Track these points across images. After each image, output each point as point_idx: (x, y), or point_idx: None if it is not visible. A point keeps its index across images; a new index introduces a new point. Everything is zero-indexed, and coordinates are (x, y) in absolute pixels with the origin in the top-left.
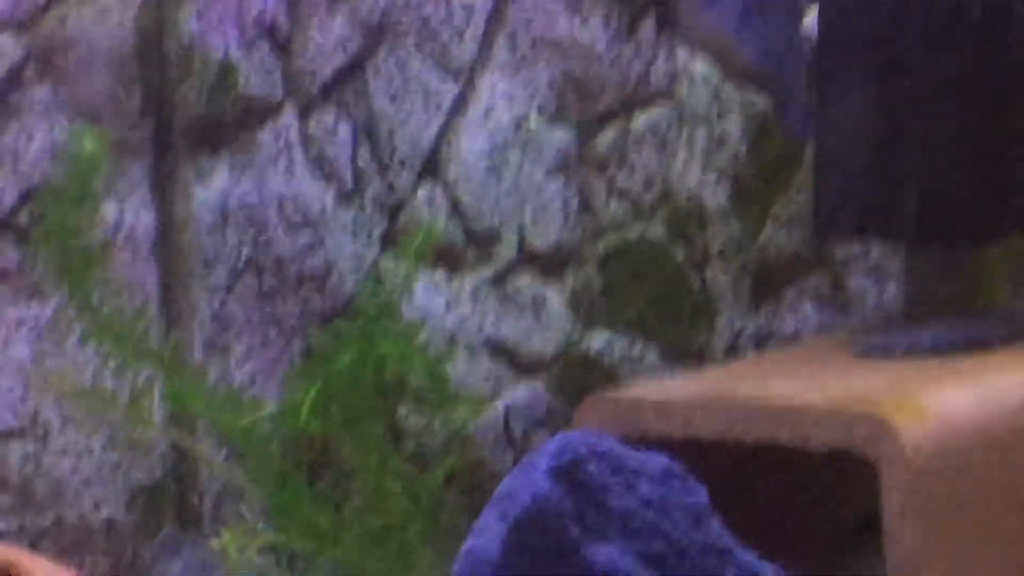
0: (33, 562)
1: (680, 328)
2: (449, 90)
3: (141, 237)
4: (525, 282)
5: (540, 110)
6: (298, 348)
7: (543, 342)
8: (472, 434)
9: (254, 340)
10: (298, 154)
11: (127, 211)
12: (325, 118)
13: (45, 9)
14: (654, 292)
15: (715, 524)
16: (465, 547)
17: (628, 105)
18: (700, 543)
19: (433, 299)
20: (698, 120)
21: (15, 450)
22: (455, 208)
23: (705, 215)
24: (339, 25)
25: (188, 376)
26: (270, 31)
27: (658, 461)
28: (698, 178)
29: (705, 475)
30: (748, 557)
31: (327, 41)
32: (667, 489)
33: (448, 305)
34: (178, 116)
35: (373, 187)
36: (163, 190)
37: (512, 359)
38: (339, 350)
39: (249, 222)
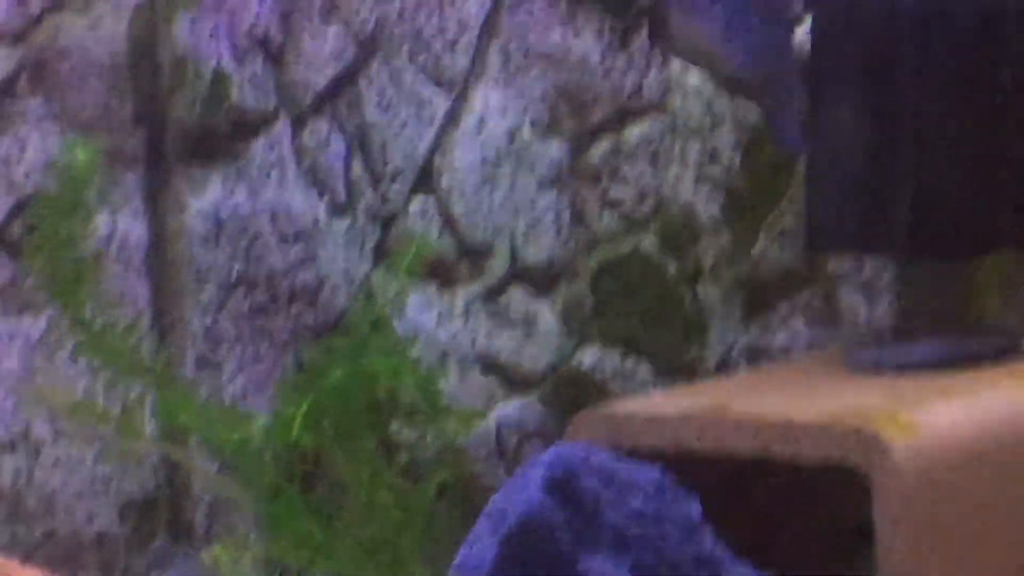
0: (25, 572)
1: (672, 342)
2: (442, 102)
3: (133, 249)
4: (517, 297)
5: (533, 122)
6: (290, 362)
7: (535, 356)
8: (464, 448)
9: (246, 354)
10: (291, 166)
11: (119, 222)
12: (318, 130)
13: (38, 20)
14: (646, 307)
15: (707, 537)
16: (458, 559)
17: (621, 117)
18: (692, 556)
19: (425, 313)
20: (691, 133)
21: (7, 463)
22: (447, 221)
23: (697, 228)
24: (332, 36)
25: (180, 390)
26: (263, 42)
27: (650, 474)
28: (691, 191)
29: (697, 489)
30: (741, 570)
31: (320, 52)
32: (660, 502)
33: (440, 319)
34: (171, 127)
35: (366, 199)
36: (155, 201)
37: (504, 373)
38: (331, 364)
39: (241, 234)
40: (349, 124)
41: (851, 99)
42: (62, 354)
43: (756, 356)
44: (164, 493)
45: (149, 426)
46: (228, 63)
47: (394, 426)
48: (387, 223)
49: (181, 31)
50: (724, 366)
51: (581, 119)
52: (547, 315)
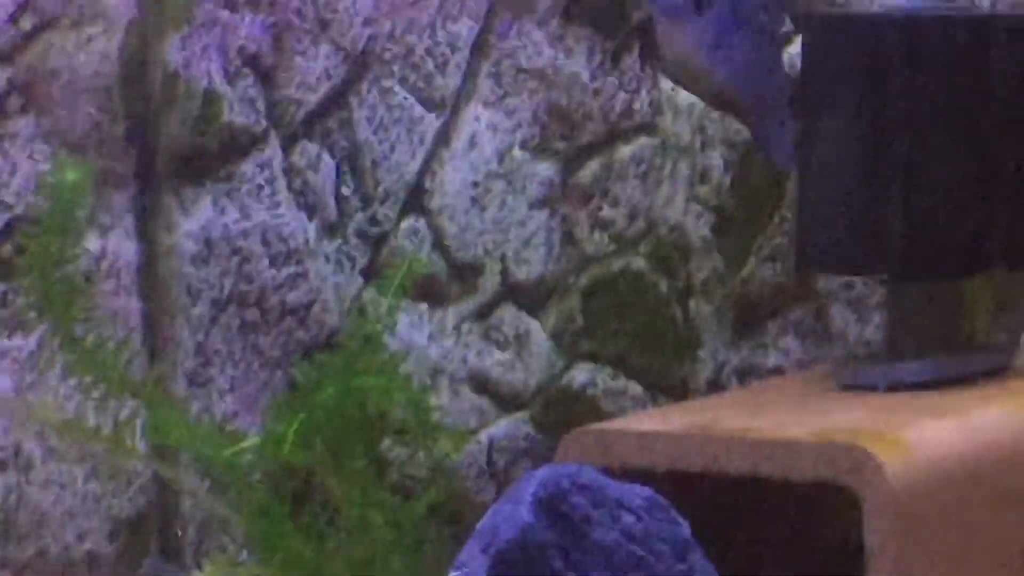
0: None
1: (663, 361)
2: (433, 121)
3: (124, 268)
4: (508, 315)
5: (524, 142)
6: (281, 380)
7: (526, 375)
8: (455, 467)
9: (237, 372)
10: (281, 185)
11: (110, 241)
12: (309, 149)
13: (28, 39)
14: (637, 325)
15: (698, 556)
16: None
17: (612, 137)
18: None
19: (416, 332)
20: (681, 152)
21: None
22: (438, 240)
23: (688, 247)
24: (323, 56)
25: (171, 408)
26: (254, 61)
27: (641, 493)
28: (681, 210)
29: (688, 508)
30: None
31: (311, 72)
32: (650, 522)
33: (431, 338)
34: (162, 147)
35: (356, 219)
36: (146, 221)
37: (495, 392)
38: (322, 382)
39: (232, 254)
40: (340, 144)
41: (842, 119)
42: (53, 372)
43: (747, 374)
44: (155, 512)
45: (140, 444)
46: (219, 82)
47: (385, 444)
48: (378, 242)
49: (172, 50)
50: (715, 384)
51: (572, 139)
52: (538, 334)
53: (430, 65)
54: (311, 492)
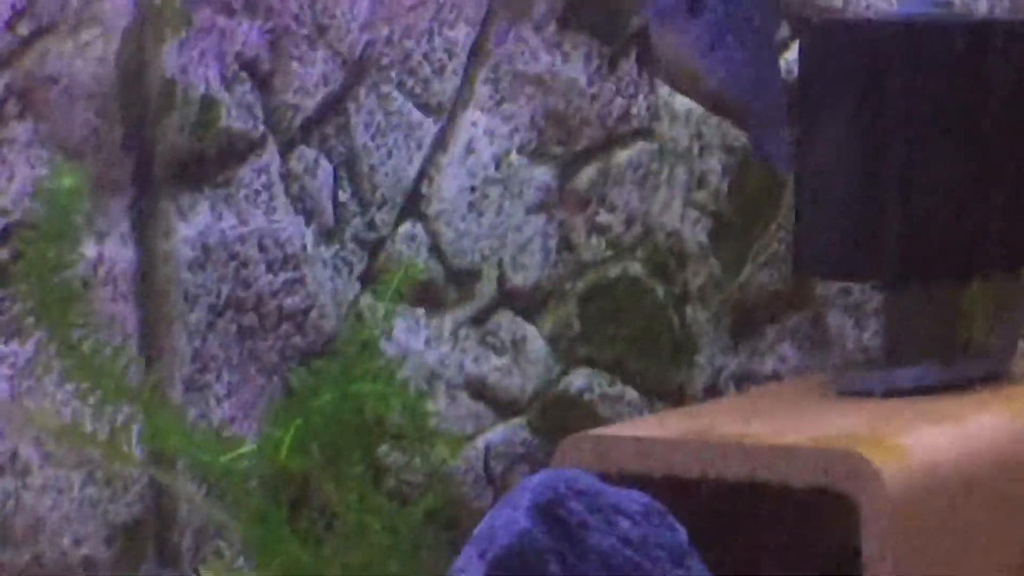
0: None
1: (660, 366)
2: (430, 127)
3: (121, 274)
4: (505, 321)
5: (521, 147)
6: (278, 386)
7: (523, 380)
8: (452, 472)
9: (234, 378)
10: (279, 191)
11: (107, 247)
12: (306, 154)
13: (26, 44)
14: (634, 331)
15: (695, 562)
16: None
17: (609, 142)
18: None
19: (413, 337)
20: (679, 158)
21: None
22: (435, 245)
23: (685, 253)
24: (321, 61)
25: (168, 413)
26: (252, 67)
27: (638, 499)
28: (679, 216)
29: (685, 513)
30: None
31: (308, 77)
32: (647, 527)
33: (428, 343)
34: (159, 152)
35: (354, 224)
36: (143, 226)
37: (492, 397)
38: (319, 388)
39: (230, 259)
40: (337, 149)
41: (839, 125)
42: (50, 378)
43: (744, 380)
44: (151, 517)
45: (137, 450)
46: (216, 88)
47: (382, 450)
48: (375, 248)
49: (169, 56)
50: (712, 390)
51: (569, 144)
52: (535, 339)
53: (427, 70)
54: (308, 498)
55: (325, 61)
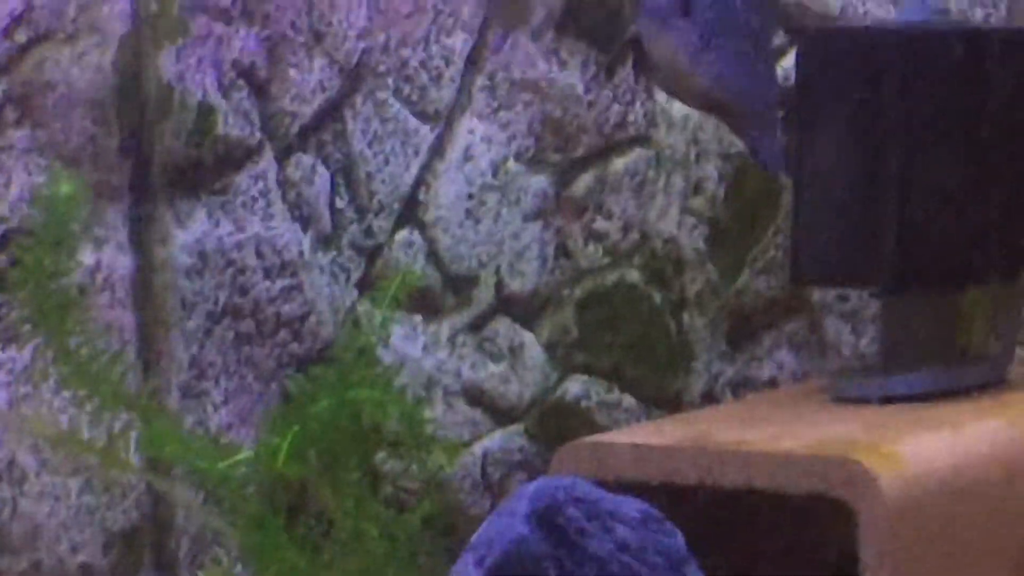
0: None
1: (657, 373)
2: (427, 134)
3: (119, 281)
4: (502, 328)
5: (518, 154)
6: (275, 392)
7: (520, 387)
8: (449, 479)
9: (231, 384)
10: (276, 197)
11: (105, 254)
12: (303, 161)
13: (23, 51)
14: (631, 338)
15: (693, 569)
16: None
17: (606, 149)
18: None
19: (410, 344)
20: (675, 165)
21: None
22: (433, 252)
23: (682, 259)
24: (318, 68)
25: (165, 420)
26: (249, 74)
27: (635, 506)
28: (676, 222)
29: (683, 520)
30: None
31: (305, 84)
32: (645, 534)
33: (425, 350)
34: (156, 159)
35: (351, 231)
36: (141, 233)
37: (489, 404)
38: (316, 395)
39: (227, 266)
40: (334, 156)
41: (836, 132)
42: (47, 385)
43: (741, 387)
44: (149, 524)
45: (134, 457)
46: (214, 95)
47: (379, 457)
48: (372, 255)
49: (167, 63)
50: (709, 397)
51: (566, 151)
52: (532, 346)
53: (424, 78)
54: (305, 504)
55: (322, 68)
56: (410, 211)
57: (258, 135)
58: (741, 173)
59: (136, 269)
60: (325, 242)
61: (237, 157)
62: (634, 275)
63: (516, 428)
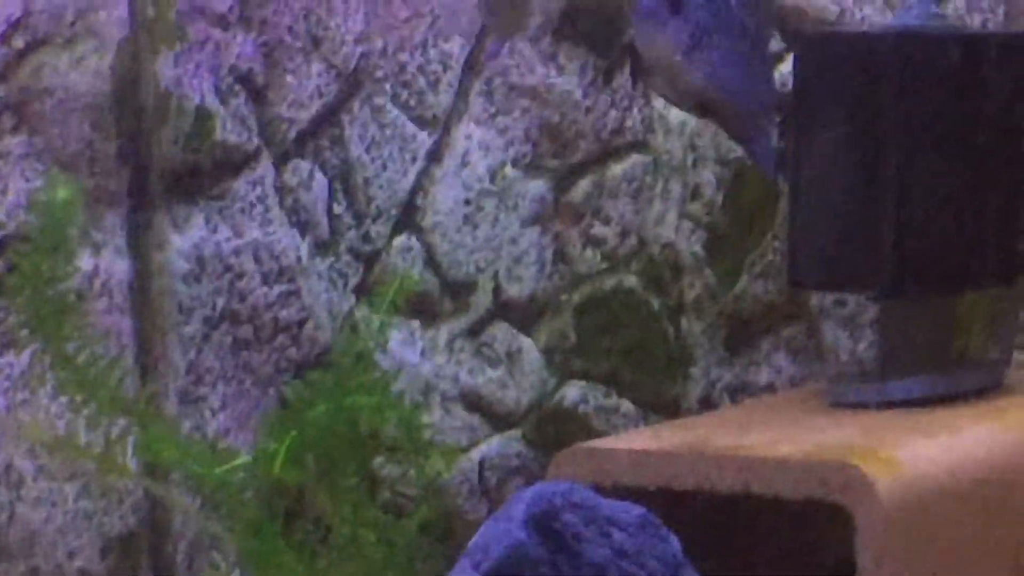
0: None
1: (655, 378)
2: (425, 139)
3: (116, 286)
4: (500, 332)
5: (516, 160)
6: (273, 398)
7: (518, 392)
8: (447, 484)
9: (229, 390)
10: (274, 203)
11: (102, 260)
12: (301, 166)
13: (21, 57)
14: (629, 343)
15: (690, 574)
16: None
17: (604, 154)
18: None
19: (408, 349)
20: (673, 170)
21: None
22: (431, 258)
23: (680, 265)
24: (315, 73)
25: (163, 426)
26: (246, 79)
27: (633, 511)
28: (673, 228)
29: (680, 525)
30: None
31: (303, 90)
32: (642, 539)
33: (423, 355)
34: (154, 165)
35: (349, 236)
36: (138, 239)
37: (487, 409)
38: (314, 400)
39: (225, 272)
40: (332, 162)
41: (834, 137)
42: (44, 390)
43: (739, 392)
44: (146, 529)
45: (132, 462)
46: (211, 101)
47: (377, 462)
48: (370, 260)
49: (164, 69)
50: (707, 402)
51: (564, 156)
52: (530, 351)
53: (422, 83)
54: (303, 510)
55: (319, 74)
56: (408, 216)
57: (256, 141)
58: (739, 178)
59: (134, 274)
60: (323, 248)
61: (235, 163)
62: (632, 280)
63: (514, 433)
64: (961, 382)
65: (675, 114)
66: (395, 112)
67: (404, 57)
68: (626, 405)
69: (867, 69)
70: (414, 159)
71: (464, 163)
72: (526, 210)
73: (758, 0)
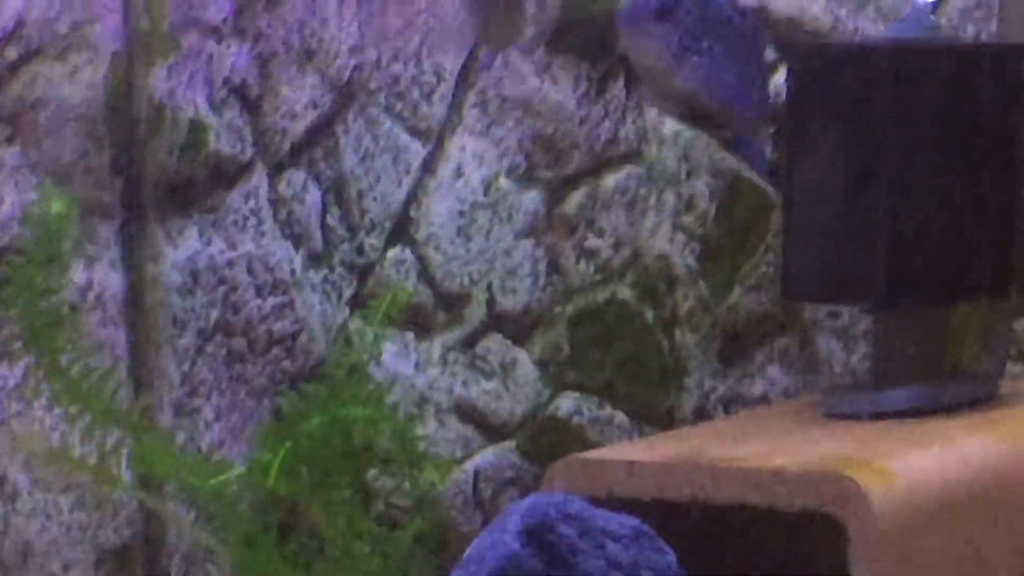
0: None
1: (649, 390)
2: (419, 151)
3: (110, 299)
4: (494, 345)
5: (509, 171)
6: (267, 410)
7: (512, 404)
8: (441, 496)
9: (223, 402)
10: (267, 215)
11: (96, 272)
12: (295, 178)
13: (14, 69)
14: (623, 354)
15: None
16: None
17: (597, 166)
18: None
19: (402, 361)
20: (667, 181)
21: None
22: (424, 270)
23: (674, 276)
24: (309, 84)
25: (157, 438)
26: (240, 90)
27: (628, 522)
28: (667, 239)
29: (674, 537)
30: None
31: (297, 101)
32: (637, 550)
33: (417, 367)
34: (148, 177)
35: (342, 249)
36: (132, 251)
37: (481, 421)
38: (308, 412)
39: (218, 283)
40: (326, 173)
41: (827, 148)
42: (39, 402)
43: (733, 403)
44: (140, 542)
45: (126, 474)
46: (205, 112)
47: (371, 474)
48: (364, 272)
49: (158, 80)
50: (701, 413)
51: (557, 168)
52: (524, 363)
53: (416, 95)
54: (297, 522)
55: (313, 85)
56: (402, 229)
57: (249, 152)
58: (732, 190)
59: (127, 287)
60: (317, 260)
61: (228, 174)
62: (626, 292)
63: (508, 445)
64: (954, 393)
65: (669, 125)
66: (389, 124)
67: (398, 69)
68: (620, 416)
69: (861, 80)
70: (408, 171)
71: (458, 175)
72: (520, 222)
73: (752, 8)
